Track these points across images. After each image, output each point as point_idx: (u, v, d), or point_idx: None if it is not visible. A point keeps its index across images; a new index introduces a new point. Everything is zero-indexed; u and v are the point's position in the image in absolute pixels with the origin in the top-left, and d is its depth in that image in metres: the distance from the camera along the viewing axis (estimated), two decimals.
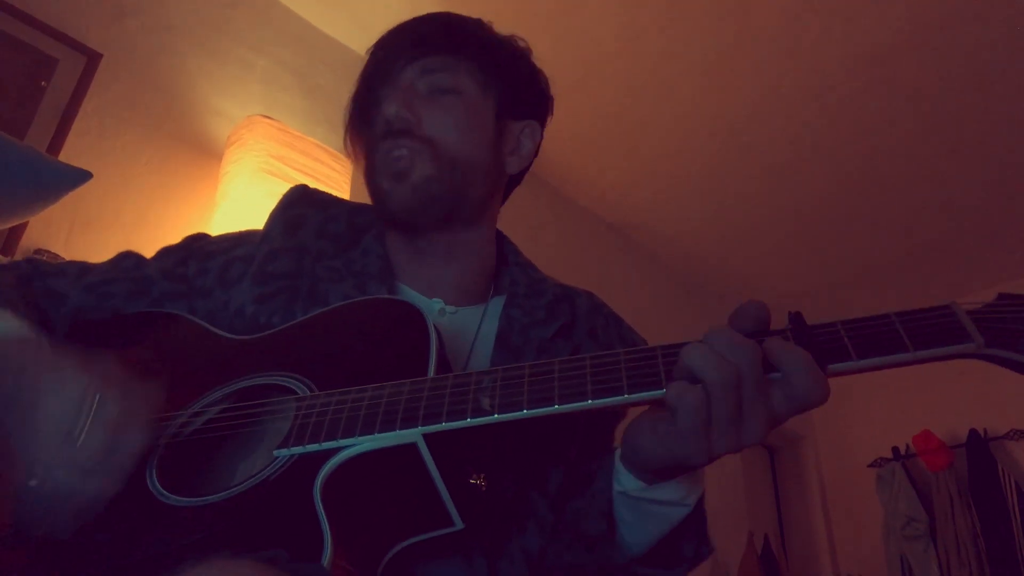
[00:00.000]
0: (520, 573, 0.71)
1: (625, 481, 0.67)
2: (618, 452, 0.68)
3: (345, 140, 0.96)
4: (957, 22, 2.24)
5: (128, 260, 0.88)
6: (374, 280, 0.84)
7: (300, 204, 0.92)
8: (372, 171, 0.87)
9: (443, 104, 0.87)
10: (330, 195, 0.97)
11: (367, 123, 0.91)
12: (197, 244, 0.91)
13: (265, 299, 0.80)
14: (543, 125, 0.99)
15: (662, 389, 0.55)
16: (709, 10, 2.26)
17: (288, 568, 0.47)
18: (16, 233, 1.56)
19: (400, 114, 0.84)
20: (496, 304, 0.90)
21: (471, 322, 0.87)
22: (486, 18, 0.97)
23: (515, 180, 1.01)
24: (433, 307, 0.87)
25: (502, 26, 0.97)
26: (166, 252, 0.90)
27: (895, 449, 3.43)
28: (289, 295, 0.80)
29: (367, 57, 0.95)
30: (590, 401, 0.56)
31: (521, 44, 0.97)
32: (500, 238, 0.99)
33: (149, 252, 0.92)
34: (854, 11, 2.23)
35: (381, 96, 0.89)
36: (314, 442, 0.59)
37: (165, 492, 0.60)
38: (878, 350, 0.53)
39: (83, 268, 0.86)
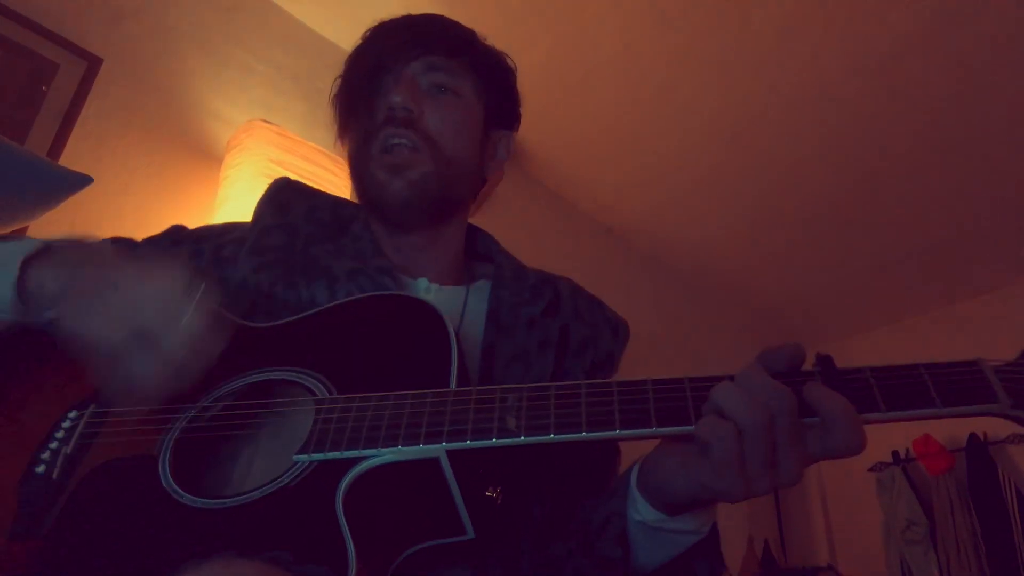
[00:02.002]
0: (515, 558, 0.72)
1: (644, 511, 0.65)
2: (633, 477, 0.67)
3: (334, 116, 0.98)
4: (960, 24, 2.24)
5: (120, 242, 0.89)
6: (373, 257, 0.85)
7: (286, 191, 0.95)
8: (366, 158, 0.88)
9: (444, 103, 0.90)
10: (313, 187, 0.99)
11: (366, 108, 0.91)
12: (183, 232, 0.92)
13: (264, 268, 0.81)
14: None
15: (691, 425, 0.55)
16: (710, 13, 2.26)
17: (292, 569, 0.47)
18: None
19: (405, 104, 0.86)
20: (483, 287, 0.92)
21: (456, 301, 0.89)
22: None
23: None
24: (419, 286, 0.88)
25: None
26: (154, 239, 0.91)
27: (895, 453, 3.43)
28: (286, 267, 0.82)
29: (363, 40, 0.97)
30: (618, 431, 0.56)
31: (510, 62, 1.01)
32: (472, 230, 1.02)
33: None
34: (856, 14, 2.23)
35: (382, 84, 0.91)
36: (335, 450, 0.58)
37: (180, 491, 0.59)
38: (906, 404, 0.54)
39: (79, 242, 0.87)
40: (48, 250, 0.70)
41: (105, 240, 0.85)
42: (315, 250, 0.85)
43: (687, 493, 0.60)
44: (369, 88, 0.92)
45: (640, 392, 0.58)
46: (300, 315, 0.75)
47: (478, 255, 1.01)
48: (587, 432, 0.56)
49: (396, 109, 0.86)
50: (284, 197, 0.93)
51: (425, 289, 0.88)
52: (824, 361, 0.57)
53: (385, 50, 0.93)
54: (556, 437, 0.56)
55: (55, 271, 0.68)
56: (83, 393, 0.69)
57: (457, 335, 0.67)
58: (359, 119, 0.92)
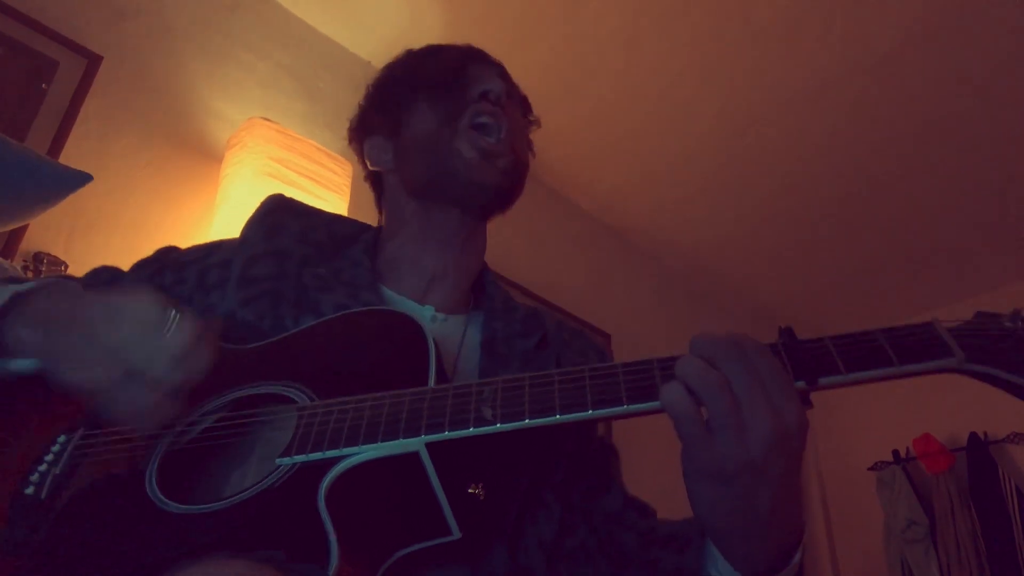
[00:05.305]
0: (536, 561, 0.72)
1: (725, 571, 0.63)
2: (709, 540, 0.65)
3: (378, 104, 0.98)
4: (961, 24, 2.24)
5: (104, 273, 0.89)
6: (365, 290, 0.84)
7: (278, 211, 0.93)
8: (451, 132, 0.87)
9: (515, 110, 0.95)
10: (307, 205, 0.99)
11: (447, 91, 0.91)
12: (170, 256, 0.91)
13: (250, 302, 0.80)
14: None
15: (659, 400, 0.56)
16: (709, 13, 2.26)
17: (284, 568, 0.47)
18: (16, 236, 1.56)
19: (501, 92, 0.90)
20: (475, 317, 0.93)
21: (457, 330, 0.89)
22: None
23: None
24: (425, 313, 0.88)
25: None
26: (140, 265, 0.90)
27: (895, 452, 3.43)
28: (273, 298, 0.81)
29: (419, 50, 0.99)
30: (591, 412, 0.57)
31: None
32: None
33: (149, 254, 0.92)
34: (856, 14, 2.23)
35: (469, 73, 0.92)
36: (317, 451, 0.59)
37: (166, 499, 0.60)
38: (865, 365, 0.56)
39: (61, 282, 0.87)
40: (17, 301, 0.70)
41: (72, 280, 0.84)
42: (307, 275, 0.84)
43: (702, 480, 0.57)
44: (455, 72, 0.92)
45: (611, 375, 0.59)
46: (282, 335, 0.76)
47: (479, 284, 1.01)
48: (560, 415, 0.57)
49: (493, 92, 0.89)
50: (275, 219, 0.91)
51: (431, 318, 0.88)
52: (786, 333, 0.59)
53: (471, 50, 0.97)
54: (531, 422, 0.57)
55: (29, 329, 0.68)
56: (72, 418, 0.70)
57: (436, 342, 0.68)
58: (438, 100, 0.91)
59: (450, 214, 0.90)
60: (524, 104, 1.00)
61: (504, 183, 0.87)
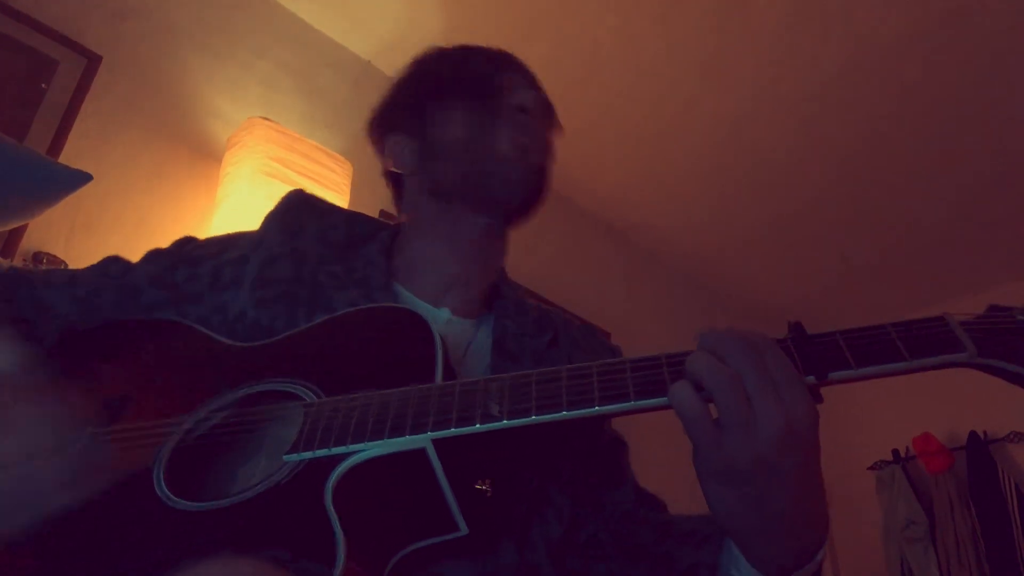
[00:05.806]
0: (542, 559, 0.73)
1: (746, 573, 0.62)
2: (729, 540, 0.64)
3: (400, 97, 0.96)
4: (957, 22, 2.24)
5: (115, 266, 0.88)
6: (378, 290, 0.84)
7: (298, 210, 0.92)
8: (489, 133, 0.87)
9: (544, 118, 0.95)
10: (327, 202, 0.97)
11: (485, 94, 0.91)
12: (186, 249, 0.90)
13: (265, 303, 0.80)
14: None
15: (667, 396, 0.55)
16: (707, 11, 2.26)
17: (290, 567, 0.47)
18: (16, 235, 1.56)
19: (544, 102, 0.92)
20: (487, 319, 0.92)
21: (467, 331, 0.89)
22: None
23: None
24: (440, 315, 0.87)
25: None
26: (155, 256, 0.90)
27: (895, 451, 3.43)
28: (290, 300, 0.80)
29: (457, 47, 0.98)
30: (597, 408, 0.56)
31: None
32: None
33: None
34: (853, 12, 2.23)
35: (505, 79, 0.93)
36: (324, 447, 0.59)
37: (174, 497, 0.60)
38: (875, 359, 0.55)
39: (71, 277, 0.86)
40: None
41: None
42: (323, 274, 0.84)
43: (716, 481, 0.57)
44: (490, 78, 0.92)
45: (618, 371, 0.58)
46: (289, 332, 0.76)
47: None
48: (567, 411, 0.56)
49: (530, 106, 0.90)
50: (295, 217, 0.90)
51: (446, 321, 0.87)
52: (795, 328, 0.58)
53: (505, 56, 0.97)
54: (538, 418, 0.57)
55: None
56: (82, 415, 0.70)
57: (443, 336, 0.68)
58: (473, 106, 0.90)
59: (477, 219, 0.89)
60: (549, 110, 0.97)
61: (537, 181, 0.88)
